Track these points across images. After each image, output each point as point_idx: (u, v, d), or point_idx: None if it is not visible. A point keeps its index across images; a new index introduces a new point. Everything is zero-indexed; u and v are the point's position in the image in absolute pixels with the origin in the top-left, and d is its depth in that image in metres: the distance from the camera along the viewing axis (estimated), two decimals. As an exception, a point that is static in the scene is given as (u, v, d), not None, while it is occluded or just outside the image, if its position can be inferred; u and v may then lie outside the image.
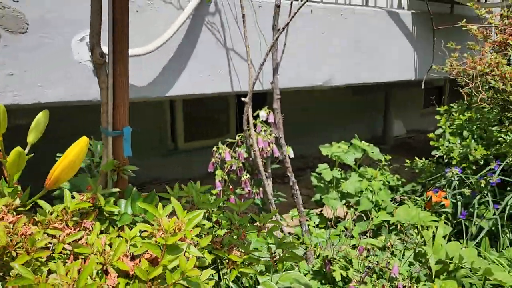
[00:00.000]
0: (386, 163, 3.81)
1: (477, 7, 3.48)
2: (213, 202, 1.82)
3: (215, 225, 1.95)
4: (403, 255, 2.69)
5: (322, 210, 3.64)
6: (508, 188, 3.12)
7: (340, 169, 3.48)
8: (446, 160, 3.38)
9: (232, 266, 1.49)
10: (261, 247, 2.37)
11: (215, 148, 2.83)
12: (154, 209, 1.28)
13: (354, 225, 3.07)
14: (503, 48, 3.26)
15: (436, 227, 2.90)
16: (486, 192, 3.03)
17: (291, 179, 2.87)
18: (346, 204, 3.42)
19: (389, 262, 2.28)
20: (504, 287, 2.46)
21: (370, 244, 2.69)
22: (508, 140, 3.13)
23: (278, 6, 2.74)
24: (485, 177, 2.99)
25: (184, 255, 1.15)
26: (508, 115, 3.14)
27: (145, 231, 1.21)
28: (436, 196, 3.08)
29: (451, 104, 3.82)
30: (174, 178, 5.22)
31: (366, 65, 3.79)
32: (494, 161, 3.19)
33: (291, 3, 2.75)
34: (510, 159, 3.11)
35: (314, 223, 3.44)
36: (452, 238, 3.16)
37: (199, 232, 1.35)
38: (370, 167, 3.93)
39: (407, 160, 4.01)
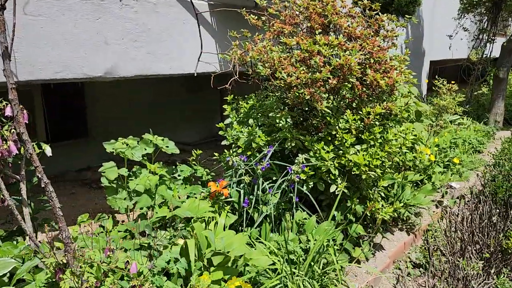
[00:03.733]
0: (195, 157, 3.70)
1: (258, -3, 3.53)
2: None
3: None
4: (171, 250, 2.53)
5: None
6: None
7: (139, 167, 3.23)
8: (235, 149, 3.35)
9: None
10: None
11: None
12: None
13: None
14: (279, 36, 3.34)
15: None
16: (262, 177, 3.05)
17: (42, 180, 2.51)
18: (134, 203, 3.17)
19: (128, 262, 2.07)
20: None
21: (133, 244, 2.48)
22: (285, 125, 3.21)
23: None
24: (261, 163, 3.00)
25: None
26: (286, 101, 3.21)
27: None
28: (217, 186, 3.02)
29: (252, 95, 3.84)
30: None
31: (160, 55, 3.60)
32: (275, 146, 3.25)
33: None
34: (289, 143, 3.19)
35: (104, 228, 3.14)
36: (240, 228, 3.14)
37: None
38: (184, 163, 3.77)
39: (216, 154, 3.93)
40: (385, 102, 3.14)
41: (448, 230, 3.59)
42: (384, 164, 3.15)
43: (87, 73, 3.15)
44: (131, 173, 3.26)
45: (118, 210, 3.13)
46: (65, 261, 2.08)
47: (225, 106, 3.46)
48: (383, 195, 3.18)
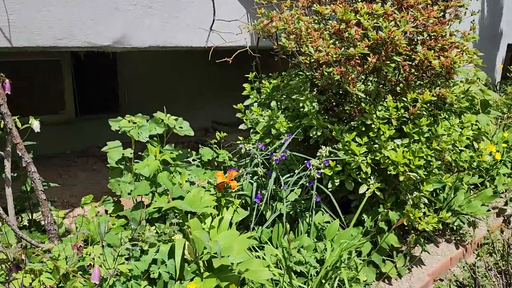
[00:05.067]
0: (218, 140, 3.33)
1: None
2: None
3: None
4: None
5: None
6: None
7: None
8: (253, 135, 2.92)
9: None
10: None
11: None
12: None
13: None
14: (314, 3, 2.81)
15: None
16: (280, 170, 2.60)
17: (23, 159, 2.25)
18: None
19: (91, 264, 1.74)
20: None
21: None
22: (312, 111, 2.71)
23: None
24: (276, 153, 2.55)
25: None
26: (315, 81, 2.71)
27: None
28: (227, 176, 2.61)
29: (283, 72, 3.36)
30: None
31: (179, 25, 3.21)
32: (302, 134, 2.78)
33: None
34: (314, 132, 2.70)
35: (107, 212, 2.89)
36: (251, 225, 2.73)
37: None
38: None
39: (240, 138, 3.53)
40: (438, 88, 2.53)
41: (508, 245, 2.94)
42: (431, 163, 2.57)
43: (92, 41, 2.83)
44: (142, 155, 2.95)
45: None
46: (23, 257, 1.80)
47: (245, 85, 3.01)
48: (426, 201, 2.61)
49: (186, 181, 3.11)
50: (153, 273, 1.99)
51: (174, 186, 2.74)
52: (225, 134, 3.38)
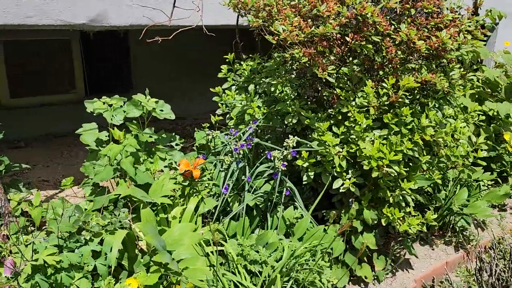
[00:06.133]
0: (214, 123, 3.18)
1: None
2: None
3: None
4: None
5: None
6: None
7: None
8: (228, 121, 2.74)
9: None
10: None
11: None
12: None
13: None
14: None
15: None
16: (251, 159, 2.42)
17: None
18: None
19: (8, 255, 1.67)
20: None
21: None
22: (288, 96, 2.49)
23: None
24: (246, 140, 2.36)
25: None
26: (289, 61, 2.47)
27: None
28: (192, 165, 2.47)
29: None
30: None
31: (165, 2, 3.05)
32: (279, 121, 2.57)
33: None
34: (290, 119, 2.47)
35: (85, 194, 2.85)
36: (220, 217, 2.57)
37: None
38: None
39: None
40: (426, 73, 2.21)
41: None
42: (418, 158, 2.28)
43: (66, 19, 2.74)
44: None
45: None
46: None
47: (222, 67, 2.81)
48: (410, 199, 2.32)
49: (166, 166, 3.01)
50: (88, 266, 1.90)
51: (142, 172, 2.63)
52: (221, 117, 3.21)
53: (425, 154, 2.38)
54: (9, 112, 4.51)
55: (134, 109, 2.93)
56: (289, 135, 2.35)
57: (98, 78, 5.07)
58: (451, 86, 2.31)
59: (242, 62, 2.77)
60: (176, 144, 3.20)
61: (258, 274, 2.06)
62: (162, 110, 3.02)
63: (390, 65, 2.28)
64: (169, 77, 5.67)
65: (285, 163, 2.25)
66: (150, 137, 2.93)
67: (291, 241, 2.28)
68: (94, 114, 2.84)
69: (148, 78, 5.55)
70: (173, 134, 3.16)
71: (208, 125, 3.31)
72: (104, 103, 2.83)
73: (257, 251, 2.14)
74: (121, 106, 2.86)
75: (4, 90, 4.55)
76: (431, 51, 2.15)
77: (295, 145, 2.22)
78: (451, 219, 2.93)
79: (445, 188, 3.02)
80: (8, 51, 4.50)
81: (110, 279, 1.85)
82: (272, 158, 2.21)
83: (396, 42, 2.12)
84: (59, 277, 1.81)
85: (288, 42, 2.16)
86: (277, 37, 2.20)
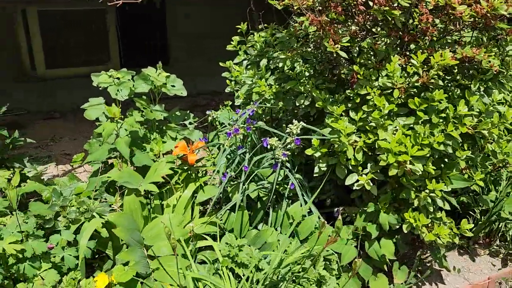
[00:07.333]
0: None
1: None
2: None
3: None
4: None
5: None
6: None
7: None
8: (236, 100, 2.44)
9: None
10: None
11: None
12: None
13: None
14: None
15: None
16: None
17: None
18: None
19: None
20: None
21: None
22: (302, 73, 2.12)
23: None
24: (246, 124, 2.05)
25: None
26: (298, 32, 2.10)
27: None
28: (189, 148, 2.21)
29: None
30: (37, 110, 4.60)
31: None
32: (291, 102, 2.23)
33: None
34: (302, 101, 2.12)
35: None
36: (219, 206, 2.31)
37: None
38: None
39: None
40: (468, 47, 1.74)
41: None
42: (453, 154, 1.85)
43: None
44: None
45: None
46: None
47: (233, 38, 2.48)
48: (440, 203, 1.90)
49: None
50: (55, 256, 1.73)
51: (141, 153, 2.43)
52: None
53: (465, 148, 1.93)
54: (45, 83, 4.55)
55: (143, 84, 2.73)
56: (302, 120, 2.00)
57: (133, 50, 4.96)
58: (504, 64, 1.81)
59: (255, 33, 2.43)
60: (190, 123, 2.97)
61: (245, 280, 1.78)
62: (173, 86, 2.80)
63: (425, 37, 1.84)
64: (207, 50, 5.44)
65: (286, 154, 1.92)
66: (161, 114, 2.72)
67: (291, 243, 1.98)
68: (100, 89, 2.67)
69: (186, 52, 5.35)
70: (192, 111, 2.93)
71: (231, 103, 3.04)
72: (110, 76, 2.66)
73: (247, 253, 1.86)
74: (125, 81, 2.66)
75: (40, 61, 4.58)
76: (477, 19, 1.68)
77: (299, 131, 1.88)
78: (500, 225, 2.44)
79: (496, 188, 2.52)
80: (44, 22, 4.49)
81: (75, 274, 1.67)
82: (269, 147, 1.89)
83: (429, 8, 1.67)
84: (22, 267, 1.66)
85: (295, 8, 1.79)
86: (282, 1, 1.84)
